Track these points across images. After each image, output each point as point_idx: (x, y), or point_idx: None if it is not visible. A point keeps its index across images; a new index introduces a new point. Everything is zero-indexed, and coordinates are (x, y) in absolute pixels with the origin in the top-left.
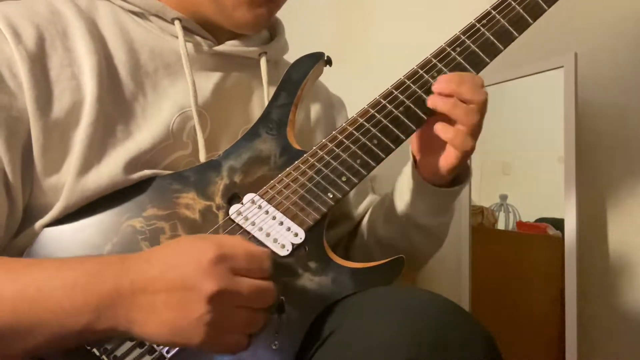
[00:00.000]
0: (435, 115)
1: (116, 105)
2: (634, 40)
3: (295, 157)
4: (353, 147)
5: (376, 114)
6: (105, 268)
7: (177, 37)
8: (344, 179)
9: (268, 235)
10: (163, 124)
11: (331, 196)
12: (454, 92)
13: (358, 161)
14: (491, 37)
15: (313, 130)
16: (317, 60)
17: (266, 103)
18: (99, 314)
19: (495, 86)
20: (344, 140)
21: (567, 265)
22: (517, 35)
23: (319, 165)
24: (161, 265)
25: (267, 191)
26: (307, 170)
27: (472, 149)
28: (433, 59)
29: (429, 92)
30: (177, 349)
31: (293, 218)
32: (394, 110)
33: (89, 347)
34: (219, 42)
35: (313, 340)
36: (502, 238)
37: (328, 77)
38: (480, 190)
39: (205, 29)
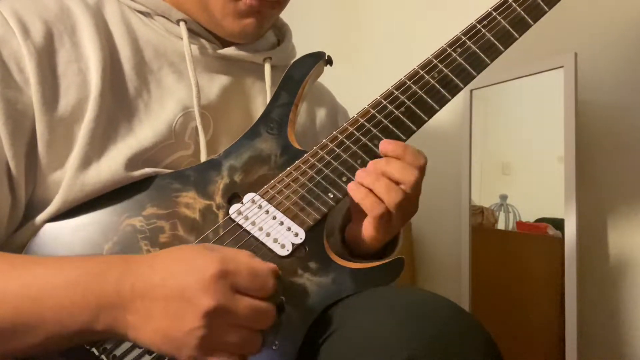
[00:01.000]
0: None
1: (119, 101)
2: (634, 40)
3: (295, 157)
4: (354, 147)
5: (377, 115)
6: (107, 269)
7: (181, 39)
8: (344, 179)
9: (268, 235)
10: (166, 122)
11: (332, 196)
12: (384, 172)
13: (359, 161)
14: (492, 38)
15: (317, 133)
16: (317, 60)
17: None
18: (98, 314)
19: (495, 86)
20: (345, 140)
21: (567, 266)
22: (517, 36)
23: (319, 165)
24: (163, 272)
25: (268, 191)
26: (307, 170)
27: (390, 220)
28: (434, 60)
29: (430, 93)
30: None
31: (293, 218)
32: (394, 110)
33: (88, 347)
34: (224, 46)
35: (313, 341)
36: (502, 238)
37: (328, 77)
38: (480, 190)
39: (210, 32)
